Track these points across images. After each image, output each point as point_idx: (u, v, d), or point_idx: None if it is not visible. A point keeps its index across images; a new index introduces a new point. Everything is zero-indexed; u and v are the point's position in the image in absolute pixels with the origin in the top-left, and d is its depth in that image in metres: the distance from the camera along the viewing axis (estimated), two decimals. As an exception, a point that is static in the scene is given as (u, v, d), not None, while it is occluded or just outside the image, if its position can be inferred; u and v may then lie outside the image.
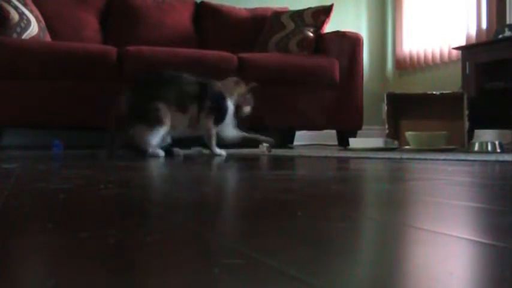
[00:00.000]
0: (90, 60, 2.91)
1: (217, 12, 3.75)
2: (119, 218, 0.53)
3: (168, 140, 1.97)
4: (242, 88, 2.08)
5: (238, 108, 2.07)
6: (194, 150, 2.22)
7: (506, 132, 2.86)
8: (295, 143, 3.96)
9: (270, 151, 2.22)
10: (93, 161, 1.66)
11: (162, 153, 1.89)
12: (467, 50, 3.54)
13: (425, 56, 4.26)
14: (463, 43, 3.78)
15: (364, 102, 3.51)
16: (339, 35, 3.45)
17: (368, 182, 0.99)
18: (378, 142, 2.65)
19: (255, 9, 3.88)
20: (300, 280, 0.29)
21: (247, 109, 2.11)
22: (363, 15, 4.64)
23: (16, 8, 2.95)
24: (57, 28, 3.33)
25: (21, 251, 0.38)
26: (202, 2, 3.79)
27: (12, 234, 0.45)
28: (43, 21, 3.18)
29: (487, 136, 2.56)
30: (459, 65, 3.65)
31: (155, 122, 1.87)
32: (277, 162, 1.63)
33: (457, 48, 3.72)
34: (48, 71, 2.85)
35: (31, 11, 3.07)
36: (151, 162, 1.56)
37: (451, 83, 3.95)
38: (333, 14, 3.61)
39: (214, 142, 2.01)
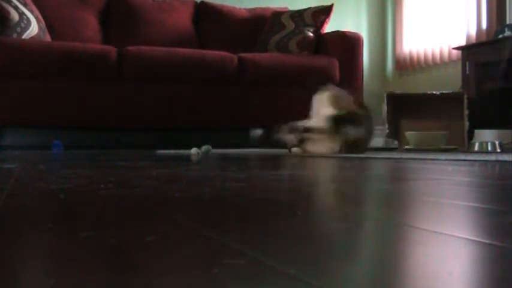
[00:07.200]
0: (90, 60, 2.91)
1: (217, 12, 3.75)
2: (119, 218, 0.53)
3: None
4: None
5: None
6: (193, 150, 2.22)
7: (506, 132, 2.86)
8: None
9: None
10: (93, 161, 1.66)
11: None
12: (467, 50, 3.54)
13: (425, 56, 4.26)
14: (463, 43, 3.78)
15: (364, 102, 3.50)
16: (339, 35, 3.45)
17: (368, 182, 0.99)
18: (378, 142, 2.65)
19: (255, 9, 3.88)
20: (300, 280, 0.29)
21: None
22: (363, 15, 4.64)
23: (16, 8, 2.95)
24: (57, 28, 3.33)
25: (21, 250, 0.38)
26: (202, 2, 3.79)
27: (12, 234, 0.45)
28: (43, 21, 3.18)
29: (487, 136, 2.56)
30: (459, 65, 3.65)
31: None
32: (277, 162, 1.63)
33: (457, 48, 3.72)
34: (48, 71, 2.85)
35: (31, 11, 3.07)
36: (150, 162, 1.57)
37: (451, 83, 3.95)
38: (333, 14, 3.61)
39: None
